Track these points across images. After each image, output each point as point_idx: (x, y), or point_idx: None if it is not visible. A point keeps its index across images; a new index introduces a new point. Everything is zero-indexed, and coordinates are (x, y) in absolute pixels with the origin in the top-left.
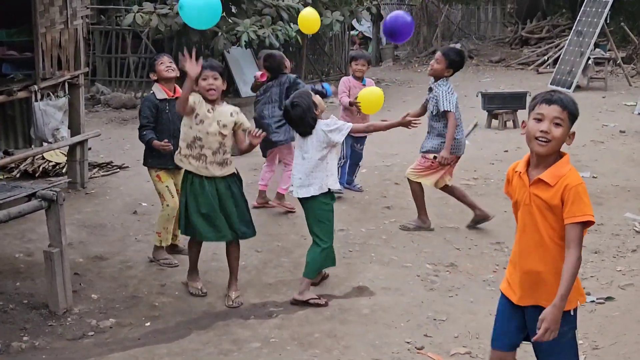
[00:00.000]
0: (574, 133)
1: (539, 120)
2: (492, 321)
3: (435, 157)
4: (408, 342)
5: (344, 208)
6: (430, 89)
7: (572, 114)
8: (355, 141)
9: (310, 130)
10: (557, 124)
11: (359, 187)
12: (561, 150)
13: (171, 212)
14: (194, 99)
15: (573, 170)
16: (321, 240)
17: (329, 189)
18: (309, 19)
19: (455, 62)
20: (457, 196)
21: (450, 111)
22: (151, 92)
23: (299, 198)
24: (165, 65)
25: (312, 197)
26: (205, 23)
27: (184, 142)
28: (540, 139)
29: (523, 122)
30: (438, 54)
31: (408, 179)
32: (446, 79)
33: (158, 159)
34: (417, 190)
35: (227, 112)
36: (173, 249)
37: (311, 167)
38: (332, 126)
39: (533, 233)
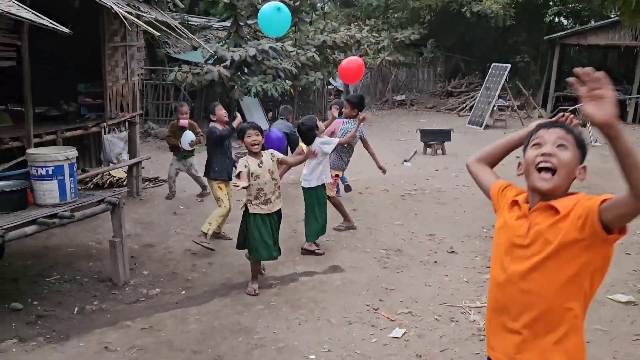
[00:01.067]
0: (585, 167)
1: (539, 145)
2: (427, 290)
3: (337, 175)
4: (368, 305)
5: None
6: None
7: (579, 142)
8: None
9: (311, 142)
10: (563, 146)
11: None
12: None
13: (224, 211)
14: (245, 164)
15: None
16: (317, 219)
17: (323, 183)
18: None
19: (355, 104)
20: (334, 204)
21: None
22: (212, 126)
23: (305, 188)
24: (224, 112)
25: (315, 187)
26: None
27: (251, 195)
28: (542, 164)
29: (519, 163)
30: (344, 102)
31: (328, 196)
32: (353, 120)
33: (220, 173)
34: (337, 202)
35: (269, 159)
36: (216, 235)
37: (312, 168)
38: (325, 142)
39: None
